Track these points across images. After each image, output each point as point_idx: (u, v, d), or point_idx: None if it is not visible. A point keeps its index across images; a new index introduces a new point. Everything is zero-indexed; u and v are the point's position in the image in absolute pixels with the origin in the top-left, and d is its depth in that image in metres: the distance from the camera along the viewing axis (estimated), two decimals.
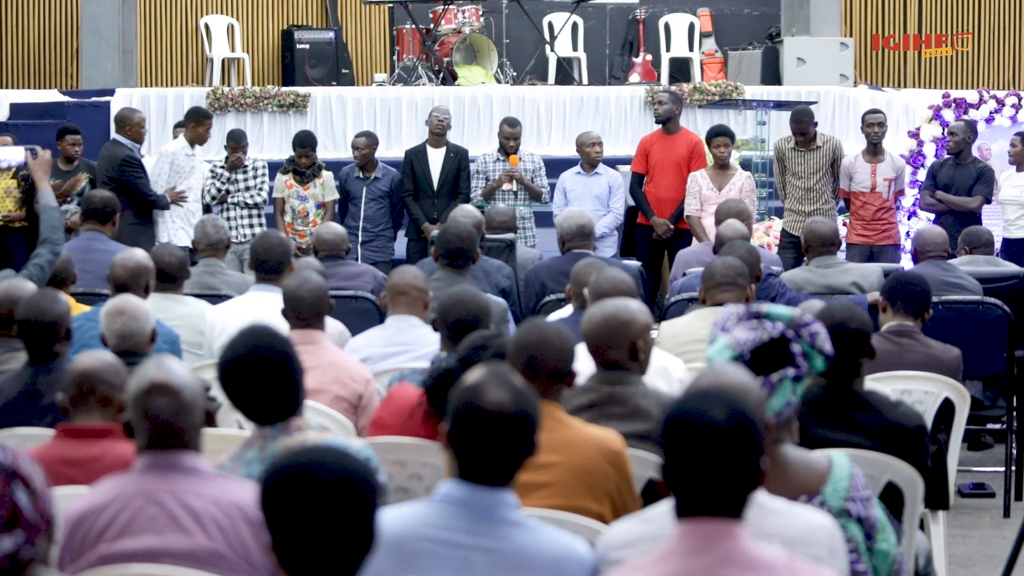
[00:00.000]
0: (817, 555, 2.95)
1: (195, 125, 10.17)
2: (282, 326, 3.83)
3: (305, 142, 10.52)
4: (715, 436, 2.56)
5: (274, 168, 10.85)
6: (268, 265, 6.22)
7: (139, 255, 6.12)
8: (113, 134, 9.88)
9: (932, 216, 10.52)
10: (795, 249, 9.50)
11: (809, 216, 9.92)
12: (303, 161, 10.42)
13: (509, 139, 10.46)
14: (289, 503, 2.45)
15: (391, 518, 2.88)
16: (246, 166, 10.46)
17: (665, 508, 2.91)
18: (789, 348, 3.39)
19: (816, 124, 10.12)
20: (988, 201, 10.25)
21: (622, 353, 4.19)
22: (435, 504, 2.92)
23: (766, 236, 10.64)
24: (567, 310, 5.95)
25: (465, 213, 7.87)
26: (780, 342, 3.39)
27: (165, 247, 6.60)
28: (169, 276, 6.32)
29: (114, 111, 12.99)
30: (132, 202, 9.54)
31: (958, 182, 10.17)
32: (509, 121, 10.68)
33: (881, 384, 4.99)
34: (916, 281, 5.80)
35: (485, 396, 2.90)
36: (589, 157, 10.40)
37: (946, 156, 10.68)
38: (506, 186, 10.36)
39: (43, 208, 6.27)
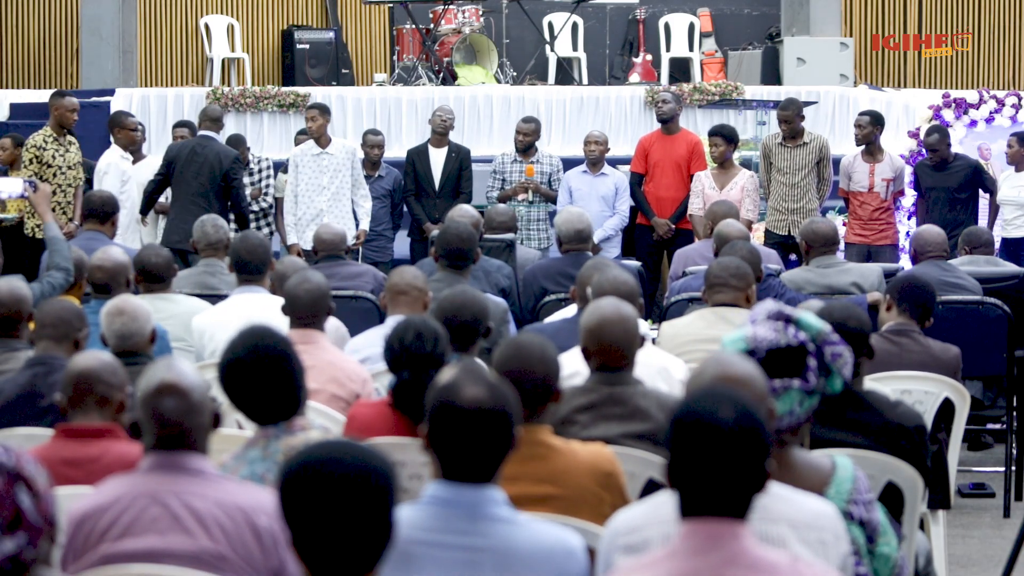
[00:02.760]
0: (823, 539, 2.99)
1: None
2: (278, 325, 3.82)
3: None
4: (722, 437, 2.57)
5: (275, 168, 10.87)
6: (251, 267, 6.23)
7: (115, 253, 6.12)
8: (201, 131, 9.73)
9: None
10: (779, 249, 9.50)
11: (792, 214, 9.95)
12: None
13: (519, 134, 10.49)
14: (306, 498, 2.47)
15: None
16: (251, 167, 10.45)
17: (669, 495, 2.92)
18: (805, 360, 3.36)
19: (803, 117, 10.11)
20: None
21: (634, 352, 4.20)
22: (422, 506, 2.92)
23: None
24: (570, 310, 5.94)
25: (463, 213, 7.87)
26: (799, 351, 3.37)
27: (150, 247, 6.59)
28: (157, 276, 6.32)
29: (114, 111, 13.02)
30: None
31: (947, 182, 10.21)
32: (525, 119, 10.75)
33: (881, 384, 4.99)
34: (925, 287, 5.79)
35: (461, 393, 2.90)
36: (586, 155, 10.43)
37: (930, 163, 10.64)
38: (521, 196, 10.39)
39: (51, 240, 6.26)
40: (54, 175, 9.53)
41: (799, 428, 3.39)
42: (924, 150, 10.66)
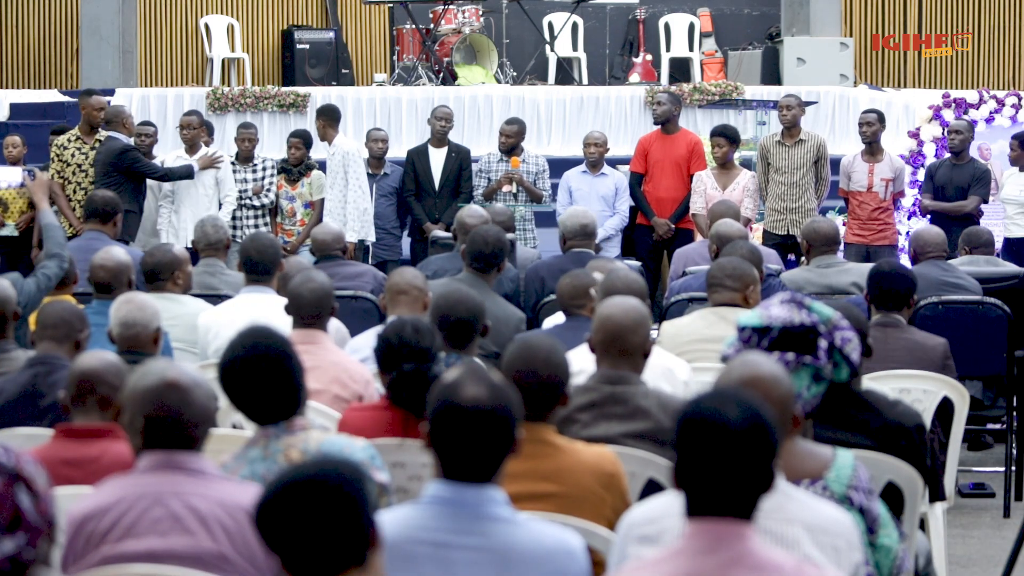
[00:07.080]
0: (837, 545, 3.00)
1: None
2: (279, 326, 3.82)
3: (298, 133, 10.75)
4: (728, 437, 2.56)
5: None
6: (260, 267, 6.22)
7: (118, 253, 6.11)
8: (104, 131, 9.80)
9: (929, 216, 10.52)
10: (777, 249, 9.50)
11: (790, 214, 9.96)
12: (293, 152, 10.49)
13: (503, 136, 10.49)
14: (280, 523, 2.46)
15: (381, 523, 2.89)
16: (255, 164, 10.48)
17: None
18: (816, 341, 3.46)
19: (804, 111, 10.15)
20: (985, 201, 10.22)
21: (638, 352, 4.20)
22: (422, 506, 2.93)
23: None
24: (559, 316, 5.91)
25: (471, 213, 7.80)
26: (810, 332, 3.46)
27: (161, 247, 6.57)
28: (161, 275, 6.30)
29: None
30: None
31: (956, 182, 10.14)
32: (508, 120, 10.73)
33: (879, 383, 4.98)
34: (887, 277, 5.80)
35: (462, 393, 2.91)
36: (586, 157, 10.43)
37: (945, 156, 10.66)
38: (506, 188, 10.37)
39: (46, 227, 6.29)
40: (73, 173, 9.63)
41: (803, 419, 3.43)
42: (945, 133, 10.65)
